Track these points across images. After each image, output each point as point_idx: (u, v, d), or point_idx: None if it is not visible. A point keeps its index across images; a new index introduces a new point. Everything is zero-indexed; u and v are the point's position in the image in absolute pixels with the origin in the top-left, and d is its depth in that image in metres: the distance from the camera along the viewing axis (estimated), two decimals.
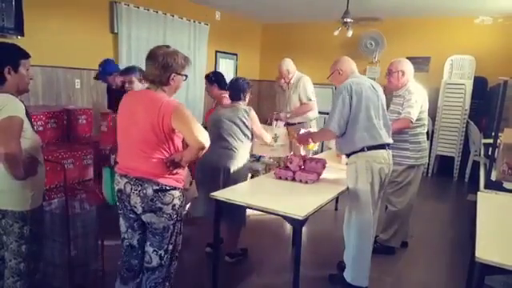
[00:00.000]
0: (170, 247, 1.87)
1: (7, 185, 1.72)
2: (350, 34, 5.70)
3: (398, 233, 3.05)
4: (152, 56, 1.79)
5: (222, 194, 2.24)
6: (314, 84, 6.81)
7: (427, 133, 3.07)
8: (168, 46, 1.84)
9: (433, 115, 5.48)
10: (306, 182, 2.51)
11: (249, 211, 3.64)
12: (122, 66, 4.59)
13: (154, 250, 1.86)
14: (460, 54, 5.57)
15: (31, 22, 3.67)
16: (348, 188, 2.43)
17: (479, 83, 5.53)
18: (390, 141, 2.45)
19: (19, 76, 1.76)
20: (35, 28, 3.71)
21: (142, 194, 1.79)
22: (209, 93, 3.45)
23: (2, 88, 1.73)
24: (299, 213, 1.94)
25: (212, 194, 2.25)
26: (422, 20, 5.95)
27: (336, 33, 5.74)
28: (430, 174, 5.79)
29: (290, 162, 2.62)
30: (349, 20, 5.04)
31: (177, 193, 1.84)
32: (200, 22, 5.71)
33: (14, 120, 1.64)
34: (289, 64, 3.99)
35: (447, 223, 4.01)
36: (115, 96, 3.56)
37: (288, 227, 3.47)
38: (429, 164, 5.62)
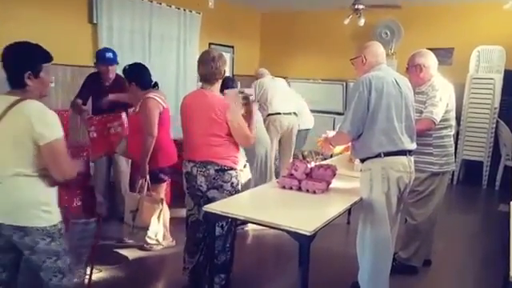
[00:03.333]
0: (229, 220, 2.42)
1: (30, 197, 1.75)
2: (361, 22, 5.71)
3: (420, 250, 3.03)
4: (209, 59, 2.49)
5: (217, 207, 2.23)
6: (321, 80, 6.92)
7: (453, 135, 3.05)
8: (214, 51, 2.58)
9: (458, 114, 5.40)
10: (314, 192, 2.50)
11: (249, 226, 3.68)
12: None
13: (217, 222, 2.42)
14: (488, 44, 5.56)
15: None
16: (361, 198, 2.42)
17: (510, 77, 5.52)
18: (413, 147, 2.43)
19: (40, 81, 1.81)
20: (3, 18, 3.72)
21: (206, 174, 2.52)
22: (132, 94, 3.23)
23: (24, 93, 1.77)
24: (306, 227, 1.93)
25: (205, 206, 2.24)
26: (443, 6, 5.96)
27: (346, 21, 5.74)
28: (455, 182, 5.77)
29: (296, 169, 2.60)
30: (361, 7, 5.05)
31: (234, 173, 2.55)
32: (191, 11, 5.72)
33: (62, 143, 1.75)
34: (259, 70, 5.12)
35: (476, 238, 3.99)
36: (99, 94, 3.60)
37: (294, 244, 3.45)
38: (454, 170, 5.60)
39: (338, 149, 2.97)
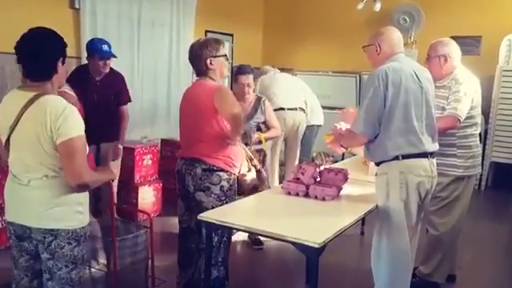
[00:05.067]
0: (220, 230, 2.42)
1: (63, 197, 1.80)
2: (377, 7, 5.71)
3: (443, 264, 3.03)
4: (189, 52, 2.57)
5: (213, 215, 2.22)
6: (332, 72, 6.87)
7: (479, 134, 3.05)
8: (199, 39, 2.63)
9: (486, 111, 5.44)
10: (324, 199, 2.49)
11: (266, 244, 3.64)
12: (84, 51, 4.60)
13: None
14: None
15: None
16: (377, 206, 2.41)
17: None
18: (435, 148, 2.43)
19: (64, 69, 1.90)
20: None
21: (192, 173, 2.52)
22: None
23: (44, 86, 1.80)
24: (315, 239, 1.92)
25: (200, 215, 2.23)
26: None
27: (360, 6, 5.74)
28: (483, 187, 5.77)
29: (302, 173, 2.60)
30: None
31: (225, 175, 2.52)
32: None
33: (80, 141, 1.77)
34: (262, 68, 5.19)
35: (506, 250, 3.98)
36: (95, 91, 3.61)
37: (301, 258, 3.44)
38: (482, 174, 5.58)
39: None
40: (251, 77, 3.52)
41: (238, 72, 3.53)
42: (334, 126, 2.94)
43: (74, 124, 1.76)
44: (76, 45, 4.57)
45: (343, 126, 2.82)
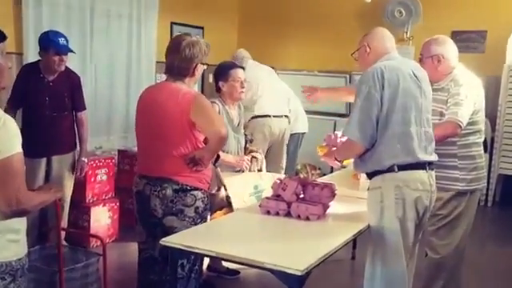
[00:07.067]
0: (192, 256, 2.38)
1: None
2: None
3: None
4: (175, 47, 2.50)
5: (179, 240, 2.21)
6: (318, 72, 6.90)
7: (484, 143, 3.11)
8: (188, 34, 2.60)
9: (492, 117, 5.57)
10: (307, 219, 2.50)
11: (242, 272, 3.62)
12: (29, 46, 4.54)
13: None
14: None
15: None
16: (369, 226, 2.43)
17: None
18: (433, 158, 2.47)
19: None
20: None
21: (161, 195, 2.47)
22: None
23: None
24: (297, 265, 1.92)
25: (163, 239, 2.22)
26: None
27: None
28: (489, 203, 5.86)
29: (283, 189, 2.61)
30: None
31: (199, 194, 2.51)
32: None
33: (18, 160, 1.69)
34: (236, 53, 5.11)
35: None
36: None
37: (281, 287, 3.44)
38: (488, 188, 5.68)
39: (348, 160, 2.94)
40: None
41: (230, 67, 3.45)
42: (328, 136, 2.95)
43: (10, 139, 1.69)
44: (17, 38, 4.53)
45: (339, 134, 2.83)
